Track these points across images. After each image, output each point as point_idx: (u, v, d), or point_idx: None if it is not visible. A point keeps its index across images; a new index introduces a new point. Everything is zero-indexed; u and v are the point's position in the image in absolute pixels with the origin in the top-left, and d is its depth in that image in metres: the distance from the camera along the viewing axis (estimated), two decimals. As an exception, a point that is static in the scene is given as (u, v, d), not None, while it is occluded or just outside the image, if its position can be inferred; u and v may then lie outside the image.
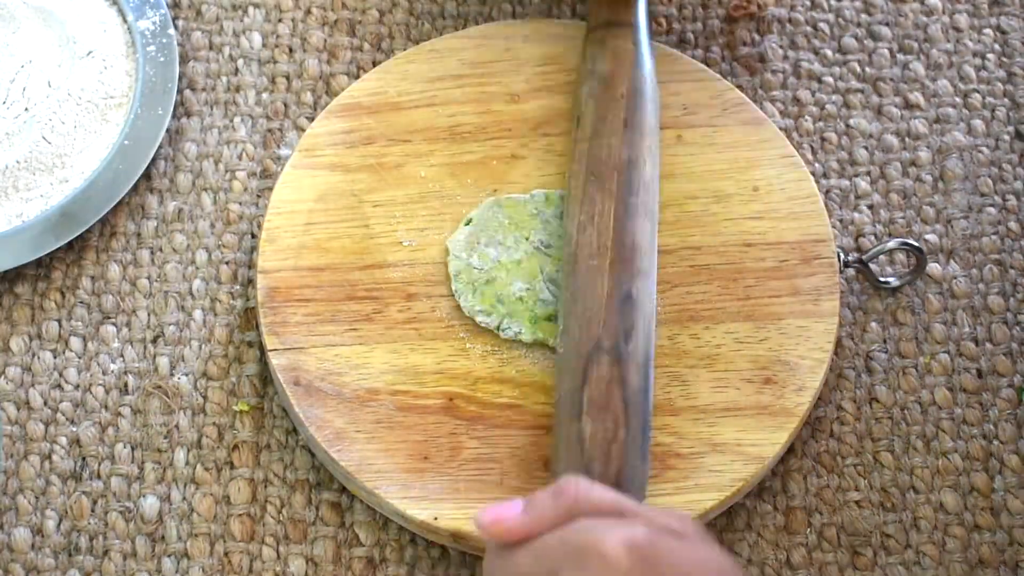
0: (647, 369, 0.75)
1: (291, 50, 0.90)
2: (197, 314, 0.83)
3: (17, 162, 0.84)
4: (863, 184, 0.87)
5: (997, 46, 0.91)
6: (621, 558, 0.61)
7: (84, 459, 0.79)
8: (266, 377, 0.81)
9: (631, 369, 0.75)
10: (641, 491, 0.73)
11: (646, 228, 0.79)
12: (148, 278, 0.84)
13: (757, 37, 0.91)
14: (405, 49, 0.89)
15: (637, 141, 0.81)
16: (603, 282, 0.77)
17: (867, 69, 0.90)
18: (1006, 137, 0.88)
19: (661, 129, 0.84)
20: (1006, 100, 0.89)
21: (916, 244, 0.83)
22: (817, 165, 0.87)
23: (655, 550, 0.62)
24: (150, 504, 0.78)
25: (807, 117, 0.88)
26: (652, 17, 0.86)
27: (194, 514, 0.78)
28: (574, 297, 0.77)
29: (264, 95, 0.89)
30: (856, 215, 0.86)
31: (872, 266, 0.83)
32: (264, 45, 0.90)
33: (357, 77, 0.88)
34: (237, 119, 0.88)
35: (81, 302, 0.83)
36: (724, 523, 0.78)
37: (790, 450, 0.79)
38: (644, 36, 0.84)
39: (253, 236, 0.85)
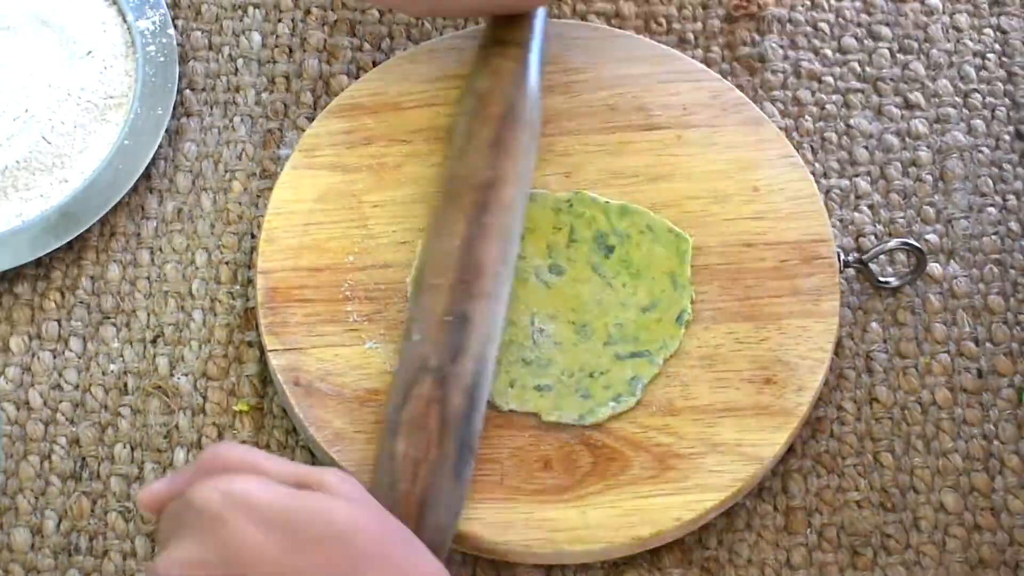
0: (476, 391, 0.74)
1: (291, 50, 0.90)
2: (197, 314, 0.82)
3: (17, 162, 0.84)
4: (863, 184, 0.87)
5: (997, 46, 0.91)
6: (212, 502, 0.63)
7: (83, 459, 0.79)
8: (266, 377, 0.81)
9: (455, 390, 0.73)
10: (452, 513, 0.73)
11: (496, 250, 0.77)
12: (148, 278, 0.84)
13: (757, 37, 0.91)
14: (405, 49, 0.89)
15: (502, 162, 0.79)
16: (440, 302, 0.75)
17: (867, 69, 0.90)
18: (1006, 137, 0.88)
19: (661, 129, 0.84)
20: (1006, 100, 0.89)
21: (916, 244, 0.83)
22: (817, 165, 0.87)
23: (253, 497, 0.64)
24: (150, 504, 0.78)
25: (807, 117, 0.88)
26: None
27: (194, 514, 0.78)
28: (413, 316, 0.76)
29: (264, 95, 0.89)
30: (856, 215, 0.86)
31: (872, 266, 0.83)
32: (264, 45, 0.90)
33: (357, 77, 0.88)
34: (236, 119, 0.88)
35: (81, 302, 0.83)
36: (724, 523, 0.77)
37: (790, 450, 0.79)
38: (535, 57, 0.82)
39: (253, 236, 0.85)
